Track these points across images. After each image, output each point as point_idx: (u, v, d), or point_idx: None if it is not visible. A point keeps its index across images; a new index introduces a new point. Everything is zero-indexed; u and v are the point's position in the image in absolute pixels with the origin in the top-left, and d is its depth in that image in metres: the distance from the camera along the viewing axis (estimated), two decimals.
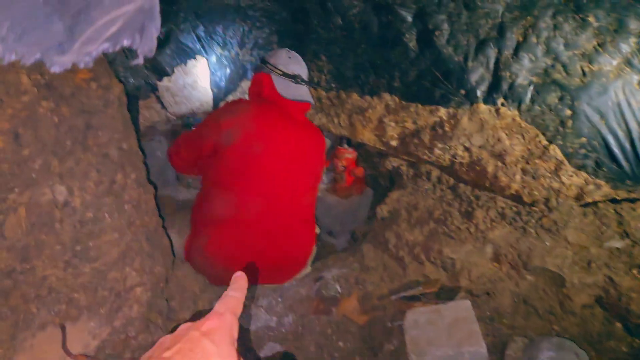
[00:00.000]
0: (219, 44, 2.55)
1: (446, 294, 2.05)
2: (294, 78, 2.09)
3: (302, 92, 2.12)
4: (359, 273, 2.29)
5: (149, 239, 1.63)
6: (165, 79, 2.42)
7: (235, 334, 0.60)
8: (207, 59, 2.52)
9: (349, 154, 2.90)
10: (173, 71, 2.43)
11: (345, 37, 2.52)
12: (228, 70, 2.62)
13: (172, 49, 2.40)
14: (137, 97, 2.37)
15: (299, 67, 2.14)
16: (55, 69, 0.66)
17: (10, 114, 1.21)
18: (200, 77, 2.52)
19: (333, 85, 2.65)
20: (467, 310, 1.83)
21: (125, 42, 0.69)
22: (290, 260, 2.18)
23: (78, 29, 0.62)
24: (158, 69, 2.38)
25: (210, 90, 2.59)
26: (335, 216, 2.89)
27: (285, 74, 2.08)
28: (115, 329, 1.48)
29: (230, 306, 0.62)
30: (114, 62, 2.24)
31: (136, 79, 2.34)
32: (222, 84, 2.62)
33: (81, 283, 1.37)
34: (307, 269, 2.31)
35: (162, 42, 2.35)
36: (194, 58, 2.48)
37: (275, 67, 2.09)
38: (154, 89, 2.41)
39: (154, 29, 0.70)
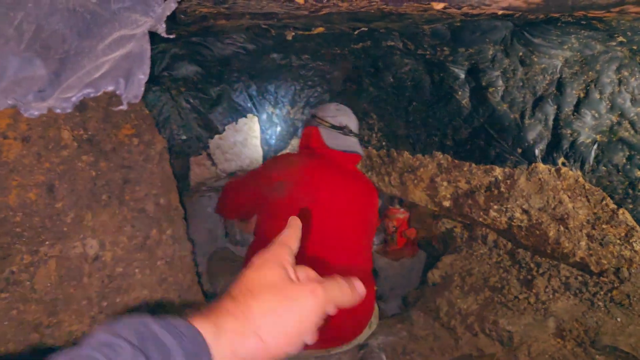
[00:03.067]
0: (270, 103, 2.58)
1: None
2: (342, 129, 2.05)
3: (351, 144, 2.07)
4: (407, 342, 2.14)
5: (182, 296, 1.59)
6: (217, 136, 2.46)
7: (287, 259, 0.61)
8: (258, 117, 2.55)
9: (401, 214, 2.79)
10: (224, 129, 2.47)
11: (396, 95, 2.49)
12: (279, 128, 2.63)
13: (224, 107, 2.45)
14: (189, 153, 2.42)
15: (347, 118, 2.10)
16: (32, 114, 0.65)
17: (46, 168, 1.23)
18: (250, 135, 2.55)
19: (384, 143, 2.60)
20: None
21: (109, 88, 0.67)
22: (351, 319, 2.03)
23: (64, 75, 0.61)
24: (210, 126, 2.43)
25: (260, 148, 2.61)
26: (385, 279, 2.75)
27: (333, 126, 2.05)
28: None
29: (280, 239, 0.65)
30: (169, 120, 2.31)
31: (188, 136, 2.39)
32: (272, 141, 2.63)
33: None
34: (371, 329, 2.16)
35: (214, 101, 2.42)
36: (245, 116, 2.52)
37: (323, 120, 2.07)
38: (205, 146, 2.45)
39: (142, 75, 0.68)
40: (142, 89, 0.68)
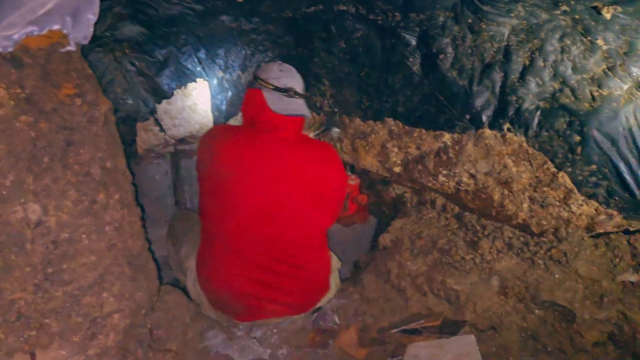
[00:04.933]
0: (220, 67, 2.52)
1: (449, 328, 1.93)
2: (287, 91, 1.96)
3: (296, 106, 1.96)
4: (359, 304, 2.18)
5: (132, 263, 1.55)
6: (164, 101, 2.38)
7: None
8: (208, 82, 2.49)
9: (352, 180, 2.81)
10: (172, 94, 2.39)
11: (348, 61, 2.48)
12: (229, 94, 2.58)
13: (172, 71, 2.37)
14: (135, 119, 2.33)
15: (292, 80, 1.97)
16: None
17: None
18: (200, 100, 2.49)
19: (336, 109, 2.60)
20: (471, 345, 1.71)
21: (55, 26, 0.64)
22: (296, 292, 2.02)
23: (3, 12, 0.57)
24: (157, 90, 2.35)
25: (210, 114, 2.55)
26: (337, 244, 2.78)
27: (277, 88, 1.95)
28: (88, 358, 1.39)
29: None
30: (112, 82, 2.21)
31: (134, 100, 2.30)
32: (223, 107, 2.58)
33: (52, 308, 1.30)
34: (330, 294, 2.17)
35: (161, 64, 2.33)
36: (195, 81, 2.45)
37: (266, 82, 1.96)
38: (153, 111, 2.37)
39: (91, 15, 0.64)
40: (92, 29, 0.65)
